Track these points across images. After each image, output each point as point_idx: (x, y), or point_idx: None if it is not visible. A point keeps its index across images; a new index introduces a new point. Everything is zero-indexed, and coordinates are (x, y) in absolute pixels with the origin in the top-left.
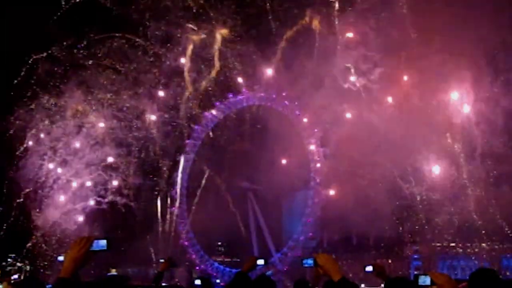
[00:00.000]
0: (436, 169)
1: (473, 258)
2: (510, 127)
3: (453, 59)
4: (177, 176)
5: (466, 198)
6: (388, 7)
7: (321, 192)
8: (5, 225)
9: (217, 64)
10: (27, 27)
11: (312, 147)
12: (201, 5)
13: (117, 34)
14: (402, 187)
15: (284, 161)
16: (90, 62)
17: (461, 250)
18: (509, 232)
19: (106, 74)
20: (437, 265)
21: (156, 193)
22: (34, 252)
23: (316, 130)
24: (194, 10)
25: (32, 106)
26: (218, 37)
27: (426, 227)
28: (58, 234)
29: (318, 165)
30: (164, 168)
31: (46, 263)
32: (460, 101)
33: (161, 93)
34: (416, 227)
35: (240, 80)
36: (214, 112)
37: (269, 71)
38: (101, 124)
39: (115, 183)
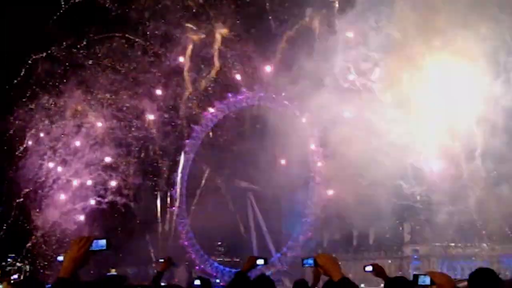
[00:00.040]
0: (436, 165)
1: (473, 258)
2: (510, 127)
3: (453, 58)
4: (176, 176)
5: (466, 198)
6: (387, 6)
7: (321, 192)
8: (5, 225)
9: (216, 64)
10: (26, 27)
11: (312, 147)
12: (200, 4)
13: (116, 34)
14: (402, 187)
15: (283, 161)
16: (90, 62)
17: (461, 250)
18: (509, 232)
19: (106, 74)
20: (437, 265)
21: (155, 193)
22: (34, 252)
23: (315, 130)
24: (194, 10)
25: (32, 106)
26: (218, 36)
27: (426, 228)
28: (58, 234)
29: (318, 164)
30: (164, 168)
31: (46, 263)
32: (460, 96)
33: (158, 92)
34: (417, 227)
35: (239, 79)
36: (213, 112)
37: (267, 68)
38: (99, 124)
39: (114, 183)
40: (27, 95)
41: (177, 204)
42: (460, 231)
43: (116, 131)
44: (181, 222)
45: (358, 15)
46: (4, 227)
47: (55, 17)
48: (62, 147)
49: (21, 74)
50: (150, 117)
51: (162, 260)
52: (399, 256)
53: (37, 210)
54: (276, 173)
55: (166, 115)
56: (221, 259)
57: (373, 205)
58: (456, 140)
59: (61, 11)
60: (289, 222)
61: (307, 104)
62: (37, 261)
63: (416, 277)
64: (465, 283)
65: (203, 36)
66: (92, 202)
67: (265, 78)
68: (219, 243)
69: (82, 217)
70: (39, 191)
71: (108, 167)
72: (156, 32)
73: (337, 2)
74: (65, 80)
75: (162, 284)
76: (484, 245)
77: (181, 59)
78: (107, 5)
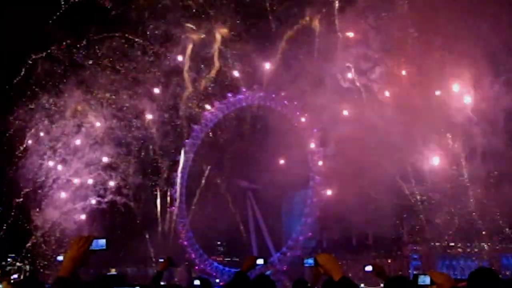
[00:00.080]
0: (435, 161)
1: (474, 258)
2: (510, 127)
3: (453, 58)
4: (176, 175)
5: (466, 197)
6: (388, 6)
7: (321, 191)
8: (5, 225)
9: (216, 63)
10: (26, 27)
11: (312, 147)
12: (200, 4)
13: (116, 34)
14: (402, 187)
15: (283, 161)
16: (90, 62)
17: (461, 250)
18: (509, 232)
19: (106, 73)
20: (437, 265)
21: (155, 192)
22: (34, 252)
23: (315, 129)
24: (194, 10)
25: (32, 106)
26: (218, 36)
27: (426, 227)
28: (58, 234)
29: (318, 164)
30: (164, 168)
31: (45, 263)
32: (461, 96)
33: (156, 90)
34: (417, 227)
35: (239, 78)
36: (213, 111)
37: (267, 66)
38: (97, 124)
39: (114, 182)
40: (27, 95)
41: (176, 204)
42: (460, 231)
43: (116, 130)
44: (181, 222)
45: (358, 14)
46: (4, 227)
47: (55, 17)
48: (62, 146)
49: (21, 74)
50: (149, 116)
51: (161, 260)
52: (398, 256)
53: (37, 210)
54: (276, 172)
55: (166, 115)
56: (221, 259)
57: (373, 205)
58: (456, 140)
59: (61, 11)
60: (289, 222)
61: (307, 103)
62: (37, 261)
63: (416, 277)
64: (465, 283)
65: (203, 35)
66: (92, 202)
67: (265, 77)
68: (219, 243)
69: (82, 217)
70: (39, 191)
71: (108, 167)
72: (156, 32)
73: (337, 2)
74: (65, 80)
75: (161, 283)
76: (484, 245)
77: (180, 58)
78: (106, 5)
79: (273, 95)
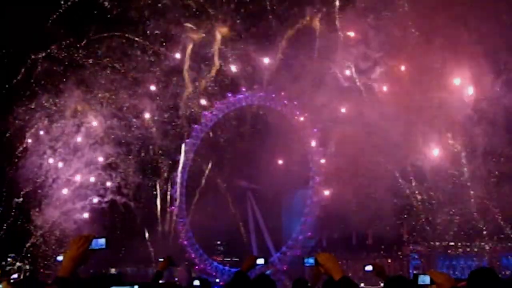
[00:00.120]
0: (435, 153)
1: (474, 259)
2: (511, 126)
3: (454, 57)
4: (176, 175)
5: (467, 197)
6: (388, 5)
7: (320, 191)
8: (4, 224)
9: (216, 63)
10: (26, 27)
11: (312, 146)
12: (200, 3)
13: (116, 34)
14: (403, 186)
15: (283, 161)
16: (89, 61)
17: (461, 250)
18: (509, 232)
19: (105, 73)
20: (437, 265)
21: (155, 192)
22: (34, 251)
23: (315, 129)
24: (194, 9)
25: (32, 106)
26: (218, 36)
27: (426, 227)
28: (58, 234)
29: (319, 163)
30: (164, 168)
31: (45, 262)
32: (461, 95)
33: (152, 88)
34: (417, 227)
35: (239, 78)
36: (213, 111)
37: (265, 60)
38: (94, 123)
39: (114, 182)
40: (27, 94)
41: (176, 203)
42: (461, 231)
43: (115, 130)
44: (181, 222)
45: (358, 14)
46: (4, 227)
47: (54, 17)
48: (62, 146)
49: (21, 73)
50: (146, 115)
51: (161, 259)
52: (398, 256)
53: (37, 209)
54: (276, 172)
55: (165, 115)
56: (221, 259)
57: (373, 204)
58: (457, 140)
59: (61, 10)
60: (289, 222)
61: (307, 103)
62: (37, 261)
63: (416, 276)
64: (465, 282)
65: (203, 35)
66: (92, 201)
67: (265, 77)
68: (219, 242)
69: (81, 217)
70: (39, 191)
71: (108, 167)
72: (156, 31)
73: (337, 1)
74: (64, 80)
75: (160, 282)
76: (485, 245)
77: (177, 55)
78: (106, 5)
79: (273, 95)
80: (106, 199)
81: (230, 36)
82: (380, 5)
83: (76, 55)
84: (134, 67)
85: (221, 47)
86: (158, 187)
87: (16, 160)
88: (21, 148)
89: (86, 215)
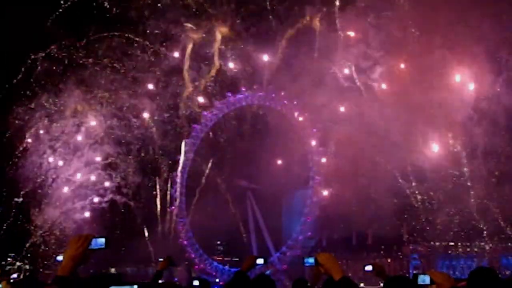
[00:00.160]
0: (435, 148)
1: (474, 259)
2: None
3: (454, 57)
4: (176, 175)
5: (467, 197)
6: (388, 5)
7: (320, 191)
8: (4, 224)
9: (216, 63)
10: (26, 27)
11: (311, 146)
12: (200, 3)
13: (116, 33)
14: (403, 186)
15: (283, 161)
16: (89, 61)
17: (461, 250)
18: (509, 232)
19: (105, 73)
20: (437, 265)
21: (155, 192)
22: (34, 251)
23: (315, 129)
24: (194, 9)
25: (32, 106)
26: (218, 35)
27: (426, 227)
28: (58, 233)
29: (319, 163)
30: (164, 168)
31: (45, 262)
32: (461, 95)
33: (150, 86)
34: (417, 227)
35: (239, 78)
36: (213, 111)
37: (265, 57)
38: (94, 123)
39: (114, 182)
40: (27, 94)
41: (176, 203)
42: (461, 231)
43: (115, 130)
44: (181, 222)
45: (358, 13)
46: (4, 227)
47: (54, 16)
48: (62, 146)
49: (21, 73)
50: (146, 115)
51: (161, 259)
52: (399, 256)
53: (37, 209)
54: (276, 172)
55: (165, 114)
56: (221, 259)
57: (373, 204)
58: (457, 139)
59: (61, 10)
60: (289, 222)
61: (307, 103)
62: (37, 261)
63: (416, 276)
64: (465, 282)
65: (203, 35)
66: (92, 201)
67: (265, 77)
68: (219, 242)
69: (81, 216)
70: (39, 191)
71: (107, 166)
72: (156, 31)
73: (337, 1)
74: (64, 79)
75: (160, 281)
76: (485, 245)
77: (178, 56)
78: (106, 4)
79: (273, 95)
80: (106, 199)
81: (230, 36)
82: (380, 5)
83: (76, 55)
84: (134, 67)
85: (221, 47)
86: (158, 187)
87: (16, 159)
88: (21, 148)
89: (86, 214)
